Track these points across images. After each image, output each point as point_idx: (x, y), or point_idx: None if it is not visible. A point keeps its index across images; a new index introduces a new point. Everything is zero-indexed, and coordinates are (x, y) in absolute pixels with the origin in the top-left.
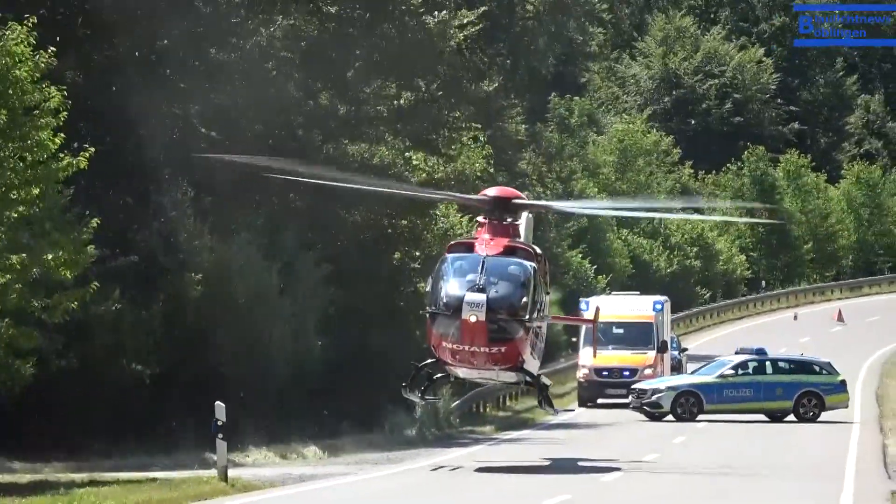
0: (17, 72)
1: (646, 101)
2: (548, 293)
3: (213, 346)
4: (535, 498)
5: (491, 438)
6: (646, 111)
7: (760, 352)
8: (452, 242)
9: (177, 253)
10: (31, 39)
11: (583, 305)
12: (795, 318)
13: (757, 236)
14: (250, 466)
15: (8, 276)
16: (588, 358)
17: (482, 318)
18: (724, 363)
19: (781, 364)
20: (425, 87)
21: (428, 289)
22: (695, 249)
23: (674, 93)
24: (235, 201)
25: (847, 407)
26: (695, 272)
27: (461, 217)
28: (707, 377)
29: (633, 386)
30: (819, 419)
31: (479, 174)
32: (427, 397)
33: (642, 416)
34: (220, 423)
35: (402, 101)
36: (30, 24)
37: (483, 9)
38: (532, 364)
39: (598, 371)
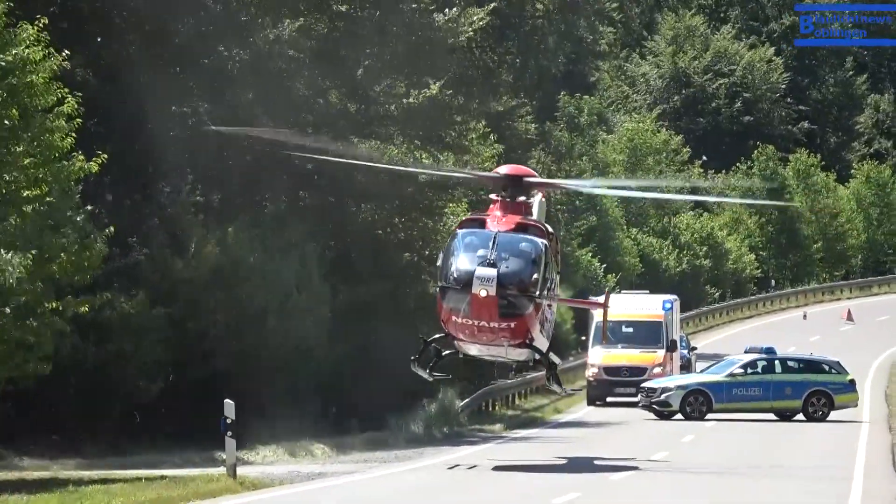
0: (32, 77)
1: (655, 101)
2: (558, 272)
3: (223, 345)
4: (544, 496)
5: (500, 437)
6: (655, 110)
7: (769, 351)
8: (464, 218)
9: (183, 250)
10: (43, 38)
11: None
12: (805, 317)
13: (766, 235)
14: (259, 464)
15: (19, 272)
16: (597, 357)
17: (493, 292)
18: (734, 362)
19: (790, 363)
20: (435, 86)
21: (439, 263)
22: (704, 248)
23: (683, 92)
24: (244, 199)
25: (856, 406)
26: (704, 271)
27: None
28: (716, 376)
29: (643, 385)
30: (828, 418)
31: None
32: (435, 374)
33: (651, 415)
34: (229, 420)
35: (411, 100)
36: (41, 25)
37: (493, 5)
38: (541, 342)
39: (607, 370)
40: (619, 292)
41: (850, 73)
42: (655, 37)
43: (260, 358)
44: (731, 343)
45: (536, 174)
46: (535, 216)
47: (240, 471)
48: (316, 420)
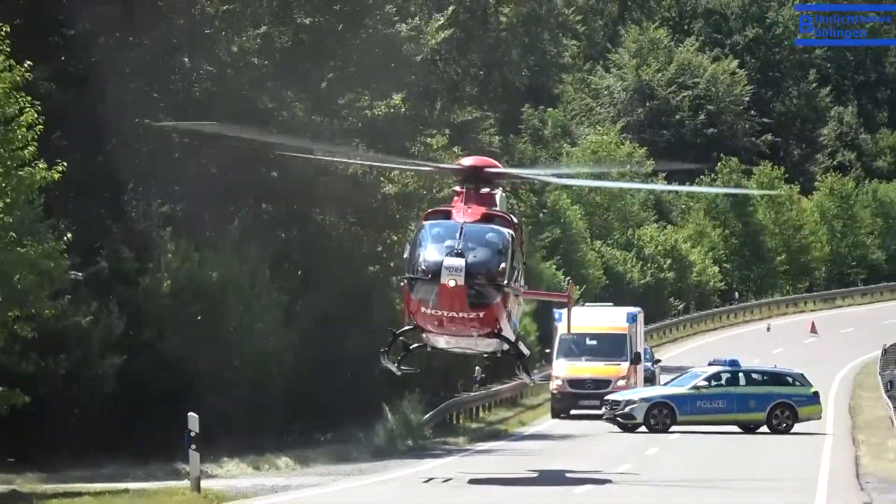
0: None
1: (619, 113)
2: (524, 263)
3: (185, 357)
4: None
5: (464, 450)
6: (619, 123)
7: (733, 363)
8: (430, 210)
9: (147, 263)
10: (3, 50)
11: (556, 316)
12: (769, 329)
13: (730, 248)
14: (223, 477)
15: None
16: (561, 369)
17: (461, 282)
18: (698, 374)
19: (754, 375)
20: (398, 98)
21: (406, 255)
22: (668, 261)
23: (647, 104)
24: (210, 212)
25: (820, 418)
26: (668, 284)
27: None
28: (680, 388)
29: (607, 397)
30: (792, 431)
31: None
32: (403, 368)
33: (615, 428)
34: (192, 433)
35: (375, 112)
36: (2, 34)
37: (451, 8)
38: (509, 331)
39: (571, 382)
40: (584, 305)
41: (814, 85)
42: (619, 49)
43: (224, 371)
44: (695, 355)
45: (500, 165)
46: (497, 204)
47: (204, 484)
48: (280, 433)
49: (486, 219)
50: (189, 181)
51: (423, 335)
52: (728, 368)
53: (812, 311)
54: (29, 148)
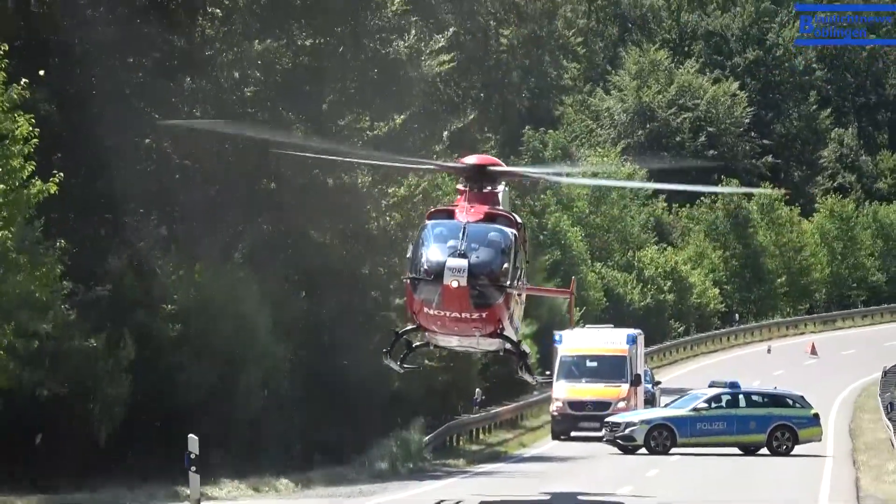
0: None
1: (620, 135)
2: (527, 262)
3: (186, 379)
4: None
5: (464, 472)
6: (620, 144)
7: (734, 385)
8: (432, 209)
9: (148, 284)
10: (2, 66)
11: (557, 338)
12: (769, 351)
13: (731, 270)
14: (223, 499)
15: None
16: (562, 391)
17: (464, 283)
18: (698, 396)
19: (755, 397)
20: (399, 119)
21: (408, 255)
22: (668, 283)
23: (648, 126)
24: (211, 233)
25: (820, 440)
26: (668, 305)
27: None
28: (680, 410)
29: (607, 419)
30: (792, 453)
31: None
32: (406, 366)
33: (616, 450)
34: (192, 455)
35: (376, 132)
36: (1, 52)
37: (452, 30)
38: (510, 332)
39: (571, 404)
40: (584, 326)
41: (814, 107)
42: (619, 71)
43: (224, 393)
44: (695, 377)
45: (503, 163)
46: (500, 206)
47: None
48: (280, 455)
49: (489, 218)
50: (189, 202)
51: (426, 334)
52: (728, 390)
53: (812, 333)
54: (26, 165)
